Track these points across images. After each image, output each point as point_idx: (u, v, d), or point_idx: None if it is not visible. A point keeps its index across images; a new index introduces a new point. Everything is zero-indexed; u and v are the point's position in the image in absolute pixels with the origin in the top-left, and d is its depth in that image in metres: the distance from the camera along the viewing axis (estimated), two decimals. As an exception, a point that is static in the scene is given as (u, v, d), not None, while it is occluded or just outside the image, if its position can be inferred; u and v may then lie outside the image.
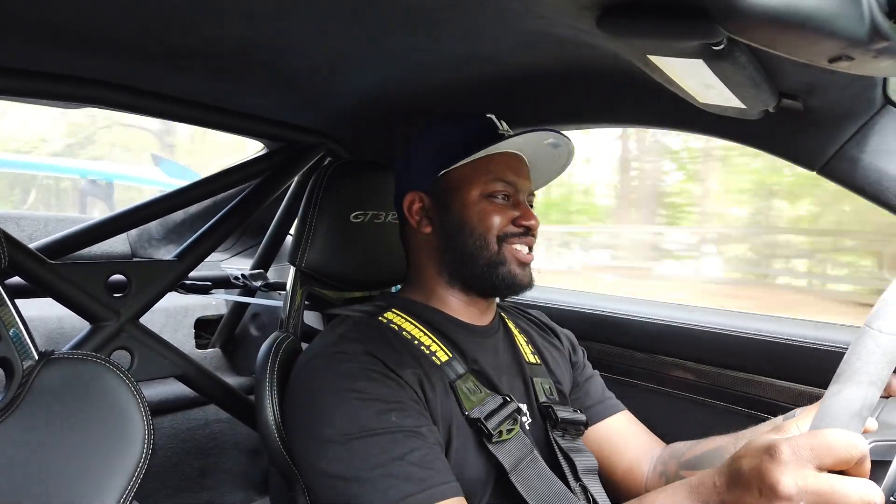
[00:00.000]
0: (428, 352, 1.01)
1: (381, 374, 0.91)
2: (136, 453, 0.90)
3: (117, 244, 2.10)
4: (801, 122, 1.04)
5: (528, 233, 1.08)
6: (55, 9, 0.94)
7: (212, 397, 1.65)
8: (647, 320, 1.58)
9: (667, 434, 1.24)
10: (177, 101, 1.35)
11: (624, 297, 1.76)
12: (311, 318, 1.91)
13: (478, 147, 1.04)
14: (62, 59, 1.14)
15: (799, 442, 0.57)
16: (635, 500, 0.72)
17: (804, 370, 1.30)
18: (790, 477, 0.56)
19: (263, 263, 1.94)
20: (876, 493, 0.55)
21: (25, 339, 0.89)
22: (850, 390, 0.59)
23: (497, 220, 1.05)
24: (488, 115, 1.11)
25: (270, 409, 1.08)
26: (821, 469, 0.56)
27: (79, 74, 1.20)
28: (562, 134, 1.08)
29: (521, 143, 1.08)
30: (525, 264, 1.08)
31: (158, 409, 1.84)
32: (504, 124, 1.12)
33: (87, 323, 1.39)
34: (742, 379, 1.39)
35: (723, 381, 1.42)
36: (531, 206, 1.12)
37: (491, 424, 0.95)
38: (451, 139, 1.10)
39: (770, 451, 0.58)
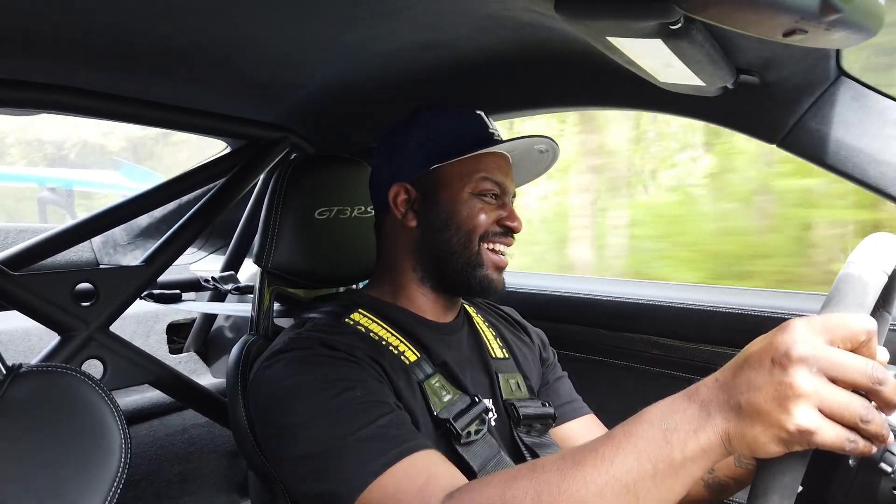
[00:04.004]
0: (396, 352, 1.00)
1: (341, 358, 0.91)
2: (114, 463, 0.89)
3: (82, 252, 2.06)
4: (759, 97, 1.06)
5: (510, 233, 1.08)
6: (1, 14, 0.91)
7: (188, 402, 1.63)
8: (614, 299, 1.60)
9: (639, 410, 1.25)
10: (134, 102, 1.33)
11: (589, 277, 1.78)
12: (285, 321, 1.90)
13: (473, 145, 1.04)
14: (10, 64, 1.11)
15: (811, 317, 0.58)
16: (630, 418, 0.67)
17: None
18: (804, 341, 0.55)
19: (233, 264, 1.92)
20: (885, 371, 0.55)
21: None
22: (840, 311, 0.61)
23: (483, 219, 1.05)
24: (478, 112, 1.11)
25: (243, 412, 1.07)
26: (832, 343, 0.56)
27: (31, 79, 1.17)
28: (551, 139, 1.09)
29: (516, 144, 1.07)
30: (501, 269, 1.08)
31: (135, 417, 1.82)
32: (493, 122, 1.12)
33: (56, 334, 1.37)
34: (710, 351, 1.42)
35: (691, 354, 1.45)
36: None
37: (459, 425, 0.95)
38: (443, 133, 1.08)
39: (782, 327, 0.58)
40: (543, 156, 1.15)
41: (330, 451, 0.82)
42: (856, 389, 0.55)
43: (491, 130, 1.10)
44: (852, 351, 0.57)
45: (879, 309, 0.75)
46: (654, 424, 0.63)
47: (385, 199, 1.10)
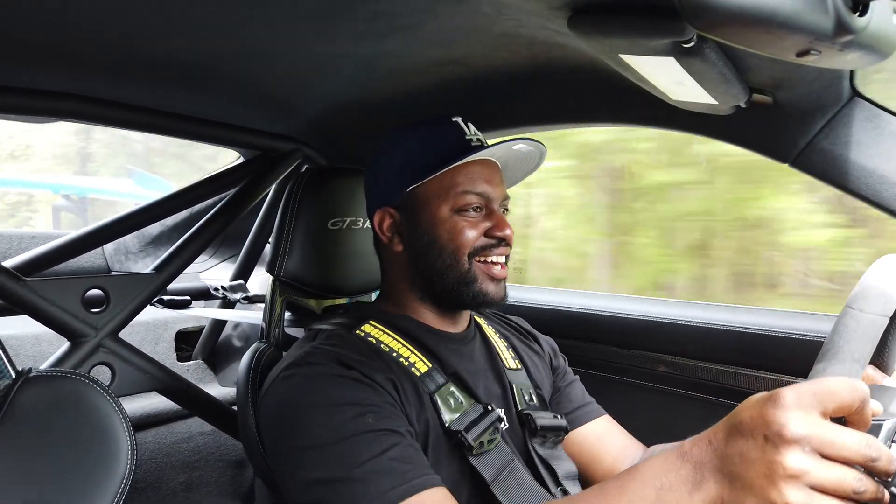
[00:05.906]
0: (407, 363, 0.99)
1: (355, 379, 0.90)
2: (120, 470, 0.89)
3: (93, 259, 2.07)
4: (772, 116, 1.06)
5: (503, 243, 1.04)
6: (23, 25, 0.93)
7: (195, 410, 1.64)
8: (624, 316, 1.59)
9: (648, 428, 1.25)
10: (150, 112, 1.34)
11: (601, 293, 1.77)
12: (295, 331, 1.90)
13: (447, 160, 1.01)
14: (31, 74, 1.13)
15: (801, 388, 0.57)
16: (623, 472, 0.67)
17: (780, 359, 1.32)
18: (796, 420, 0.54)
19: (243, 273, 1.92)
20: (879, 446, 0.55)
21: (2, 358, 0.87)
22: (835, 367, 0.60)
23: (469, 236, 1.02)
24: (454, 119, 1.07)
25: (253, 421, 1.07)
26: (824, 415, 0.56)
27: (50, 89, 1.18)
28: (531, 139, 1.05)
29: (493, 150, 1.04)
30: (498, 280, 1.05)
31: (142, 424, 1.82)
32: (472, 127, 1.07)
33: (66, 340, 1.37)
34: (720, 370, 1.41)
35: (701, 373, 1.44)
36: (507, 211, 1.09)
37: (471, 436, 0.94)
38: (418, 151, 1.05)
39: (772, 398, 0.57)
40: (528, 154, 1.10)
41: (338, 481, 0.81)
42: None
43: (468, 138, 1.05)
44: (846, 416, 0.57)
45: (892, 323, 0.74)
46: (647, 483, 0.63)
47: (373, 224, 1.09)
